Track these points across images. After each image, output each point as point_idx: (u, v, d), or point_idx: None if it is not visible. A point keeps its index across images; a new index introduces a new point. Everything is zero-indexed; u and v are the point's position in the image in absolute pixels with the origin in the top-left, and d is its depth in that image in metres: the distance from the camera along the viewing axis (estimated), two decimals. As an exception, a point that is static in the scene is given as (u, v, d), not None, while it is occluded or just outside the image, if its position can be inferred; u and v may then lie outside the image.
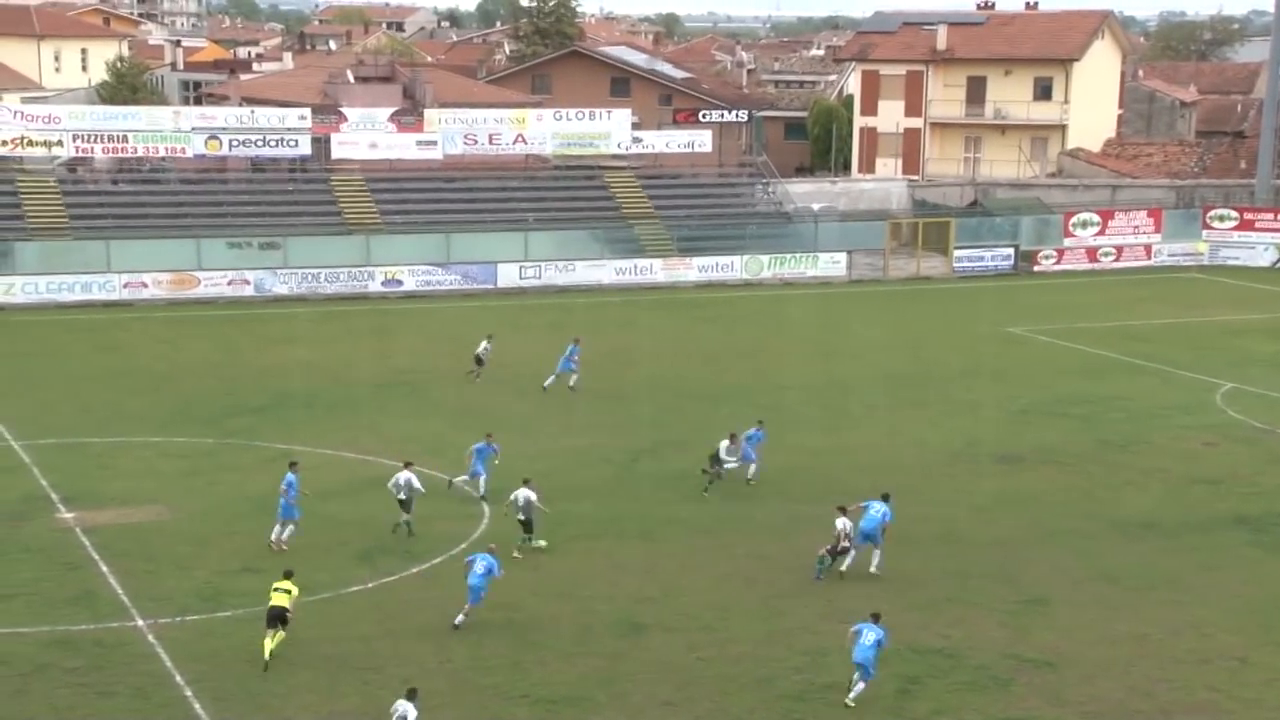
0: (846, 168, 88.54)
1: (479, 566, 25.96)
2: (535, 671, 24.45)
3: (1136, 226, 72.29)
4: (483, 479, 33.13)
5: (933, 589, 28.57)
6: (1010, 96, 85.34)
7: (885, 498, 29.45)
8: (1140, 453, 39.05)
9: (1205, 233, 72.32)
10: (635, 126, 72.85)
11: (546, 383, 43.85)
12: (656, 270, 66.43)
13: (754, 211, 72.54)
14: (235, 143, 66.17)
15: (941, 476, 36.56)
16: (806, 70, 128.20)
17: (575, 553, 30.24)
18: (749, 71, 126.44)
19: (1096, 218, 72.00)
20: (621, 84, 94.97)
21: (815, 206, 73.97)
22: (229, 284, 60.42)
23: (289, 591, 24.61)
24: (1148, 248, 72.07)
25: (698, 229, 69.29)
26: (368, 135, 68.33)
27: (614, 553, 30.49)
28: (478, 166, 71.95)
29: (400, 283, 62.27)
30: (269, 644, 24.06)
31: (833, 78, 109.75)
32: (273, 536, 29.93)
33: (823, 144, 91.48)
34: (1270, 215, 71.78)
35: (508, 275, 63.77)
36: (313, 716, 22.63)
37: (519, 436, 37.77)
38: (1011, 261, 70.39)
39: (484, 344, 45.60)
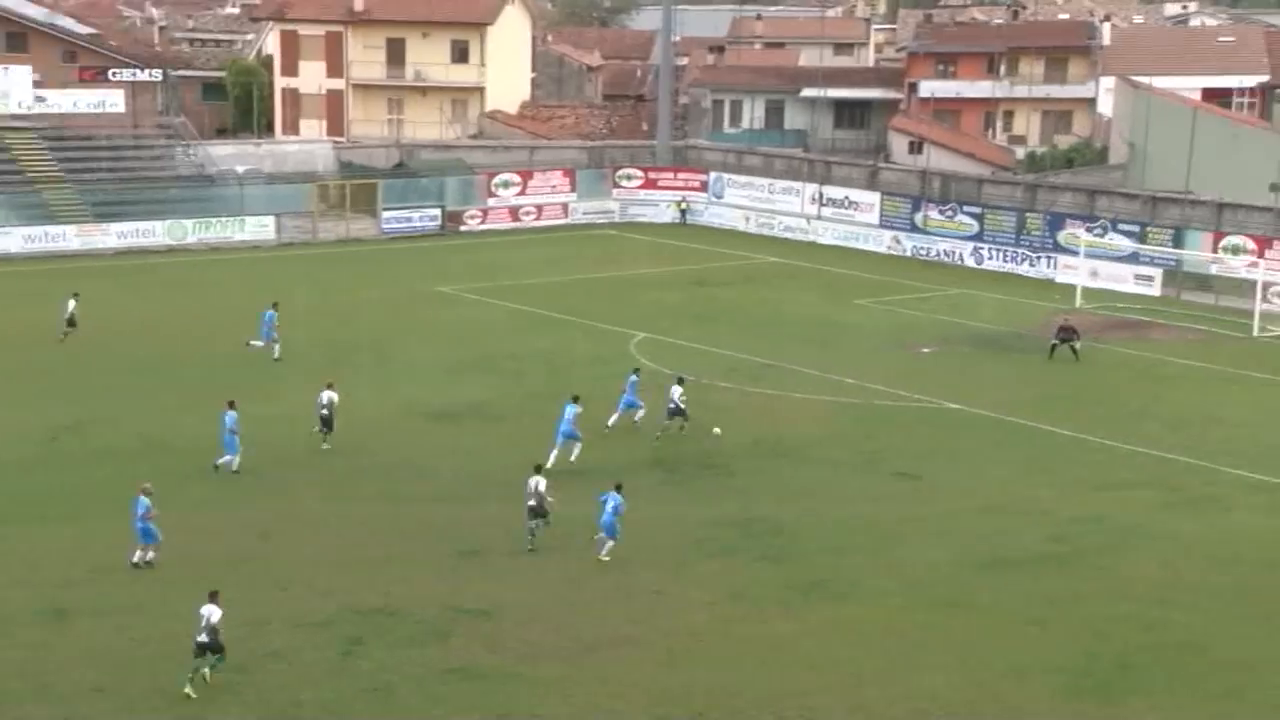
0: (270, 129, 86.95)
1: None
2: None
3: (554, 186, 75.45)
4: None
5: (372, 548, 28.97)
6: (429, 59, 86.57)
7: (618, 488, 29.05)
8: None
9: (615, 191, 76.51)
10: (37, 85, 68.42)
11: (254, 346, 44.18)
12: (70, 237, 62.90)
13: (175, 175, 69.95)
14: None
15: (382, 436, 37.02)
16: (222, 29, 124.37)
17: (-8, 542, 28.47)
18: (161, 28, 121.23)
19: (517, 178, 74.56)
20: (18, 39, 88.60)
21: (240, 169, 72.24)
22: None
23: None
24: (565, 206, 75.39)
25: (114, 194, 66.07)
26: None
27: (33, 537, 28.91)
28: None
29: None
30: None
31: (250, 37, 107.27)
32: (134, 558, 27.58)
33: (243, 105, 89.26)
34: (671, 174, 76.87)
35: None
36: None
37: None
38: (438, 222, 71.69)
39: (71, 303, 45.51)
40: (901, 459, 36.14)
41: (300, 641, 24.53)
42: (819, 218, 70.88)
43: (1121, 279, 58.92)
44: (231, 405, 33.62)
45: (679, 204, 75.50)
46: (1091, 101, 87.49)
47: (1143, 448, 37.15)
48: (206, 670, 22.67)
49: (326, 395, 35.71)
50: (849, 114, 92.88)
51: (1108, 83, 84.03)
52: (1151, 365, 46.46)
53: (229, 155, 74.32)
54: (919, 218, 67.10)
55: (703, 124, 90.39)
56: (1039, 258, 62.22)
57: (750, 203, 73.90)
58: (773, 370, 44.78)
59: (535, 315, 53.03)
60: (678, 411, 36.98)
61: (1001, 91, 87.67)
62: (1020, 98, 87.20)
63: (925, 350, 48.39)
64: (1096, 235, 60.06)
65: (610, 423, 37.31)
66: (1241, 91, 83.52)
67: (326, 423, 35.48)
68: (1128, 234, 59.90)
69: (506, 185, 74.25)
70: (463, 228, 72.13)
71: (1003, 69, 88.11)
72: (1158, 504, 32.98)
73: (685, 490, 33.69)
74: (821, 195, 71.13)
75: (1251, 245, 56.28)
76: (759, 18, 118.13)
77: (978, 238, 64.86)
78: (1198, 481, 34.65)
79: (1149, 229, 59.54)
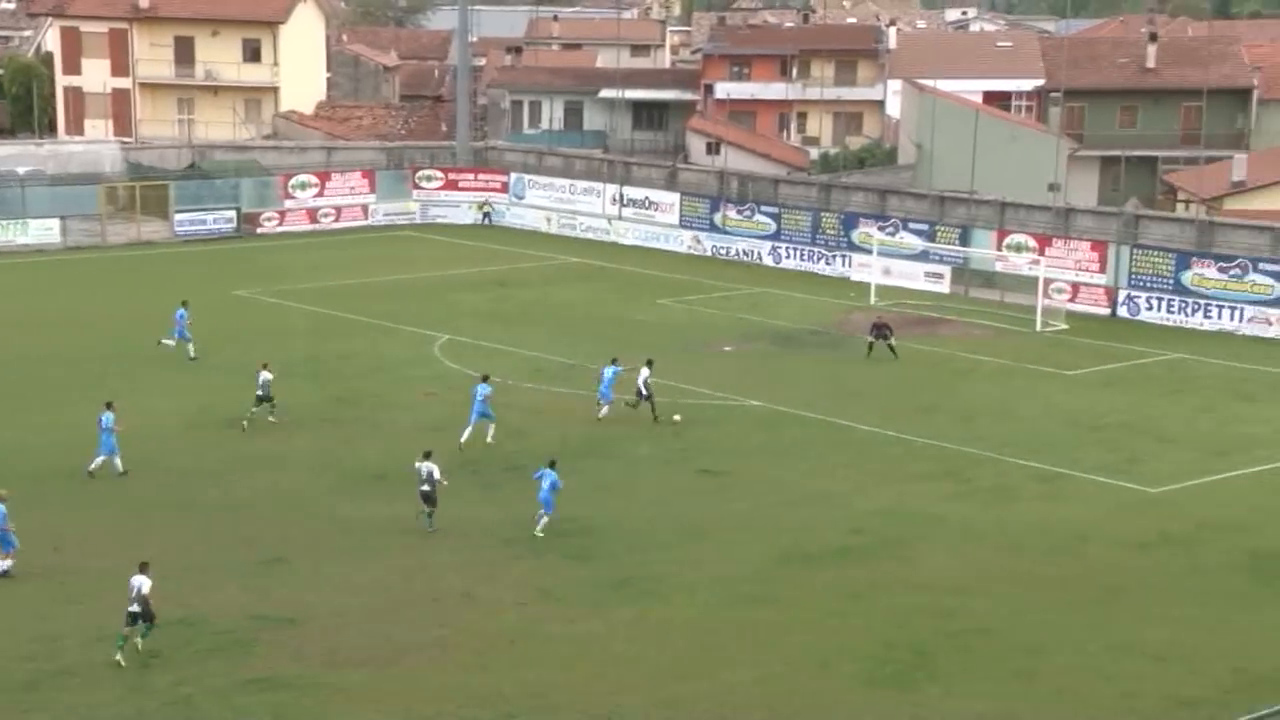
0: (52, 129, 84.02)
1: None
2: None
3: (353, 187, 74.45)
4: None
5: (172, 559, 28.19)
6: (220, 58, 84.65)
7: (552, 464, 30.88)
8: (369, 406, 40.65)
9: (415, 193, 75.82)
10: None
11: (167, 345, 44.19)
12: None
13: (-49, 177, 67.19)
14: None
15: (177, 445, 36.13)
16: None
17: None
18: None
19: (314, 179, 73.37)
20: None
21: (21, 170, 69.64)
22: None
23: None
24: (364, 208, 74.44)
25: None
26: None
27: None
28: None
29: None
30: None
31: (28, 33, 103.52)
32: None
33: (23, 104, 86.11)
34: (471, 175, 76.54)
35: None
36: None
37: None
38: (234, 224, 70.12)
39: None
40: (706, 456, 36.64)
41: (95, 656, 23.82)
42: (620, 218, 71.35)
43: (913, 276, 60.60)
44: (109, 406, 33.49)
45: (482, 205, 75.24)
46: (880, 104, 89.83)
47: (936, 440, 38.30)
48: (139, 640, 23.75)
49: (263, 375, 37.67)
50: (647, 115, 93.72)
51: (895, 85, 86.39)
52: (943, 360, 47.91)
53: (9, 156, 71.67)
54: (718, 218, 68.03)
55: (502, 125, 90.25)
56: (835, 256, 63.63)
57: (551, 204, 74.01)
58: (577, 370, 44.96)
59: (336, 318, 52.29)
60: (642, 394, 38.89)
61: (794, 93, 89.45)
62: (813, 100, 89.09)
63: (727, 349, 49.12)
64: (888, 234, 61.69)
65: (462, 440, 36.36)
66: (1020, 95, 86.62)
67: (264, 400, 37.71)
68: (918, 233, 61.64)
69: (304, 187, 73.03)
70: (259, 230, 70.71)
71: (795, 71, 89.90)
72: (951, 495, 34.05)
73: (494, 492, 33.62)
74: (622, 196, 71.62)
75: (1033, 243, 58.42)
76: (556, 19, 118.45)
77: (775, 237, 66.04)
78: (988, 472, 35.87)
79: (938, 228, 61.36)
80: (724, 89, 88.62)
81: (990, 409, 42.01)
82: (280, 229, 71.40)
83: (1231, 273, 53.60)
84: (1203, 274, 54.22)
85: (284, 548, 29.40)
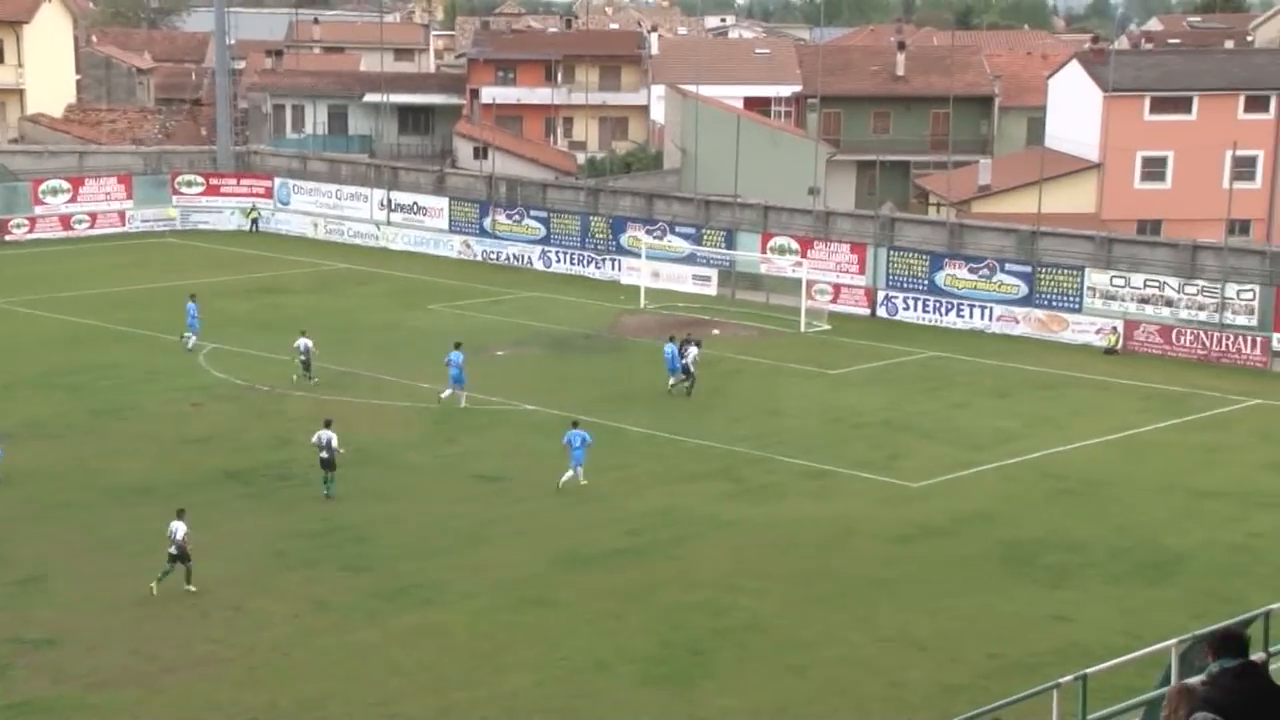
0: None
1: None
2: None
3: (109, 193, 72.00)
4: None
5: (-79, 584, 27.00)
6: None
7: (575, 424, 34.68)
8: (132, 419, 39.45)
9: (175, 198, 73.73)
10: None
11: (189, 339, 46.43)
12: None
13: None
14: None
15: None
16: None
17: None
18: None
19: (67, 185, 70.73)
20: None
21: None
22: None
23: None
24: (122, 214, 72.06)
25: None
26: None
27: None
28: None
29: None
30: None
31: None
32: None
33: None
34: (234, 180, 74.82)
35: None
36: None
37: None
38: (-20, 231, 67.20)
39: None
40: (482, 461, 36.60)
41: None
42: (388, 223, 70.65)
43: (681, 279, 61.54)
44: None
45: (249, 211, 73.55)
46: (645, 109, 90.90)
47: (708, 441, 38.99)
48: (184, 578, 27.18)
49: (303, 342, 42.81)
50: (413, 119, 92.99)
51: (659, 91, 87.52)
52: (712, 362, 48.71)
53: None
54: (488, 222, 67.95)
55: (264, 129, 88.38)
56: (604, 260, 64.19)
57: (318, 209, 72.85)
58: (348, 377, 44.38)
59: (94, 328, 50.57)
60: (687, 372, 42.47)
61: (560, 98, 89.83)
62: (579, 104, 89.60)
63: (500, 353, 49.11)
64: (656, 238, 62.50)
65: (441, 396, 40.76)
66: (779, 101, 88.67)
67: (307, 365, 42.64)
68: (685, 236, 62.62)
69: (55, 192, 70.34)
70: (8, 238, 67.84)
71: (560, 76, 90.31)
72: (724, 494, 34.71)
73: (263, 502, 32.99)
74: (390, 201, 70.94)
75: (796, 246, 59.93)
76: (317, 21, 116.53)
77: (545, 241, 66.28)
78: (758, 471, 36.68)
79: (704, 231, 62.43)
80: (490, 93, 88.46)
81: (759, 409, 42.95)
82: (31, 236, 68.66)
83: (981, 273, 55.88)
84: (954, 274, 56.40)
85: (42, 566, 28.34)
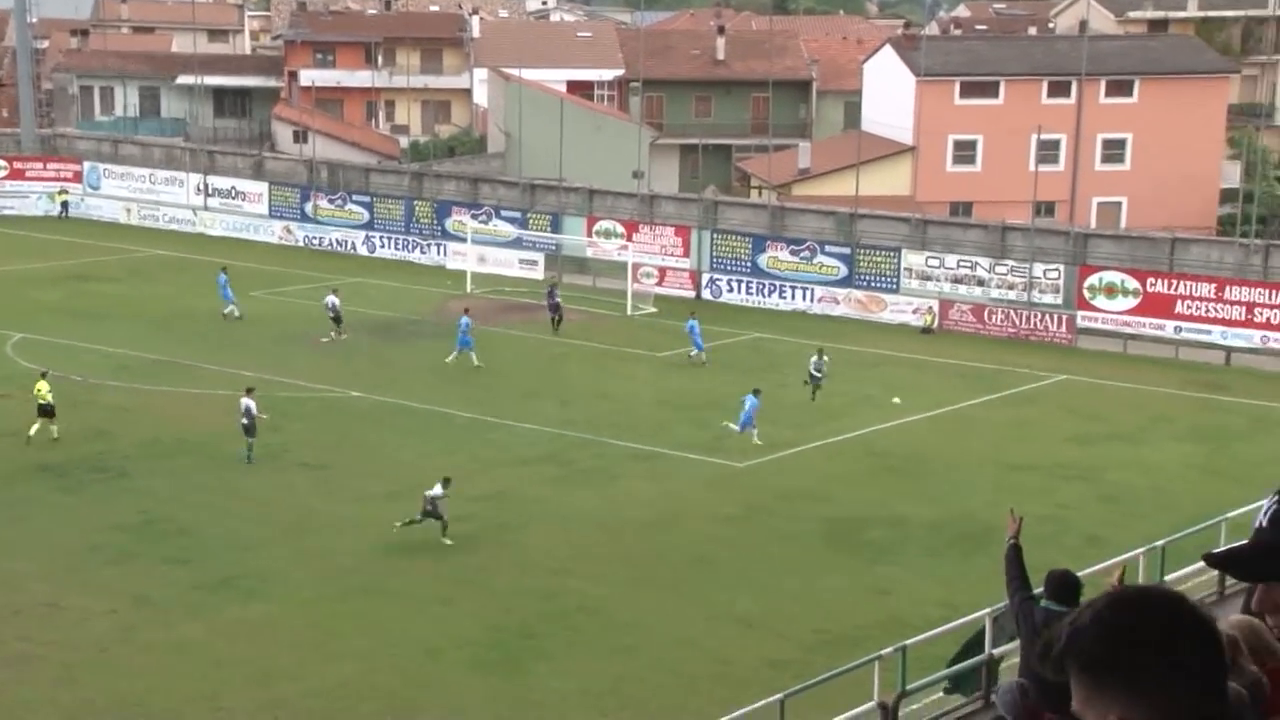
0: None
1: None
2: None
3: (-95, 177, 69.15)
4: None
5: None
6: None
7: (756, 392, 37.31)
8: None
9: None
10: None
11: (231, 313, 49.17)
12: None
13: None
14: None
15: None
16: None
17: None
18: None
19: None
20: None
21: None
22: None
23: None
24: (-80, 199, 69.31)
25: None
26: None
27: None
28: None
29: None
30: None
31: None
32: None
33: None
34: (40, 164, 72.38)
35: None
36: None
37: None
38: None
39: None
40: (307, 450, 36.12)
41: None
42: (206, 209, 69.10)
43: (508, 264, 61.35)
44: None
45: (58, 195, 71.19)
46: (468, 92, 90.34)
47: (537, 425, 39.04)
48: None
49: (331, 300, 48.11)
50: (230, 102, 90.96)
51: (481, 74, 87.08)
52: (541, 346, 48.84)
53: None
54: (309, 207, 66.91)
55: (71, 111, 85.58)
56: (430, 245, 63.71)
57: (131, 194, 70.89)
58: (167, 366, 43.39)
59: (-108, 319, 48.56)
60: (815, 376, 41.86)
61: (381, 81, 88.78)
62: (400, 88, 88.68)
63: (324, 340, 48.45)
64: (482, 222, 62.23)
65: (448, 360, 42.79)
66: (601, 84, 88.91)
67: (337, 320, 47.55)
68: (511, 220, 62.46)
69: None
70: None
71: (380, 59, 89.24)
72: (553, 478, 34.81)
73: (78, 496, 32.12)
74: (207, 185, 69.38)
75: (621, 229, 60.24)
76: (125, 0, 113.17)
77: (369, 226, 65.52)
78: (587, 454, 36.86)
79: (530, 215, 62.36)
80: (309, 76, 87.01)
81: (587, 392, 43.13)
82: None
83: (802, 255, 56.86)
84: (777, 256, 57.29)
85: None
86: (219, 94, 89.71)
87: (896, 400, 42.19)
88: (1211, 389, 45.77)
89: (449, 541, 29.76)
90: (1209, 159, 67.26)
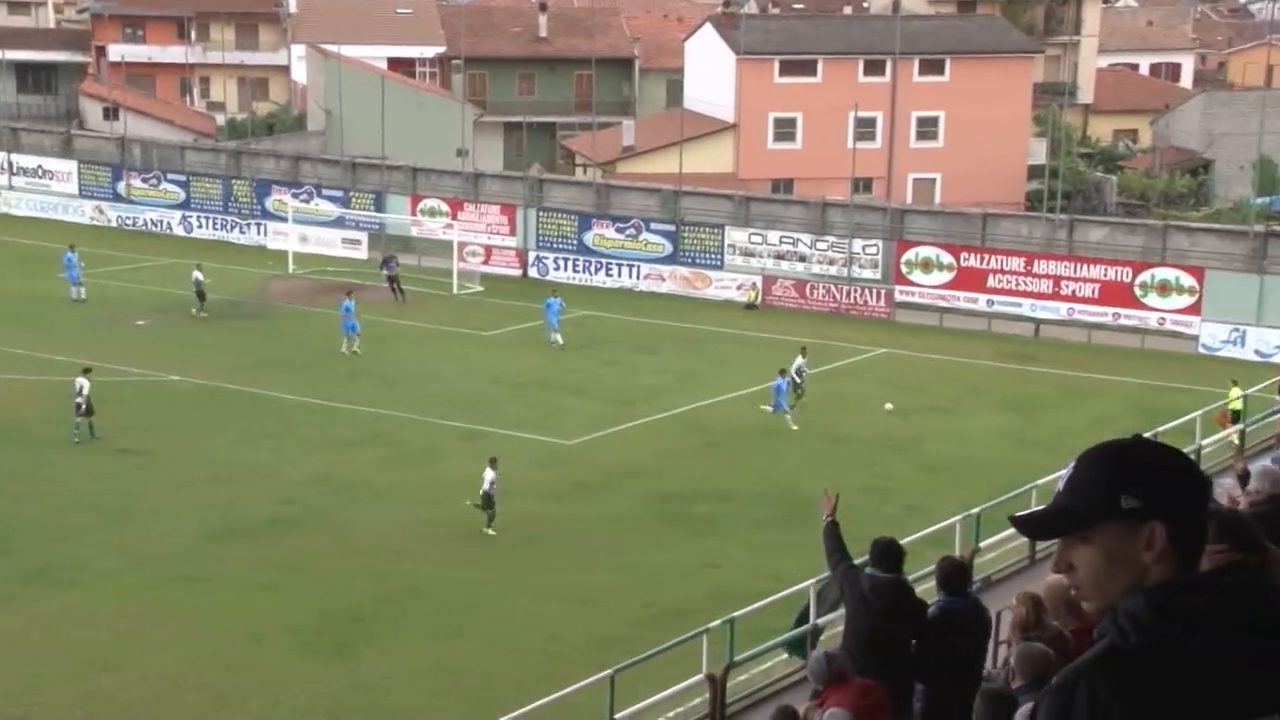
0: None
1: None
2: None
3: None
4: None
5: None
6: None
7: (783, 372, 38.36)
8: None
9: None
10: None
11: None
12: None
13: None
14: None
15: None
16: None
17: None
18: None
19: None
20: None
21: None
22: None
23: None
24: None
25: None
26: None
27: None
28: None
29: None
30: None
31: None
32: None
33: None
34: None
35: None
36: None
37: None
38: None
39: None
40: (125, 435, 35.21)
41: None
42: (11, 188, 66.75)
43: (330, 243, 60.51)
44: None
45: None
46: (286, 69, 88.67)
47: (362, 406, 38.63)
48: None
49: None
50: (34, 78, 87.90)
51: (299, 50, 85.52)
52: (366, 326, 48.20)
53: None
54: (122, 187, 65.06)
55: None
56: (249, 225, 62.46)
57: (-70, 173, 68.18)
58: (-28, 353, 41.88)
59: None
60: (796, 382, 39.81)
61: (195, 57, 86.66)
62: (215, 64, 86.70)
63: (140, 323, 47.24)
64: (303, 201, 61.23)
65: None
66: (423, 61, 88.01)
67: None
68: (333, 199, 61.56)
69: None
70: None
71: (194, 34, 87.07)
72: (379, 459, 34.51)
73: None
74: (12, 164, 66.99)
75: (446, 208, 59.81)
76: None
77: (185, 206, 63.98)
78: (414, 434, 36.61)
79: (352, 194, 61.53)
80: (118, 51, 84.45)
81: (413, 372, 42.80)
82: None
83: (627, 232, 57.15)
84: (602, 234, 57.49)
85: None
86: (21, 69, 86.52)
87: (889, 407, 40.05)
88: (1022, 360, 47.27)
89: (492, 533, 29.37)
90: (1016, 136, 69.24)
